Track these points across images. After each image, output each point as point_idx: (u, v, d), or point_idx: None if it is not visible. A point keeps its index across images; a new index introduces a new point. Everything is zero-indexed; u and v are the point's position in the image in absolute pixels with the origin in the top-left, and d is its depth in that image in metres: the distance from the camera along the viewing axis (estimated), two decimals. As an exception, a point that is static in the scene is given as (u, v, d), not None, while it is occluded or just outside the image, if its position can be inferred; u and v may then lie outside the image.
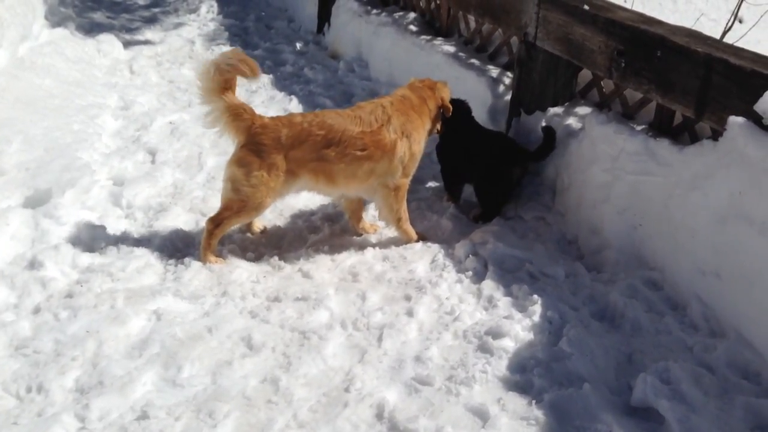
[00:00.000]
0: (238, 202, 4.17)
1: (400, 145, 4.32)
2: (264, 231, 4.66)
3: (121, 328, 3.53)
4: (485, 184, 4.87)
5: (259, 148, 4.12)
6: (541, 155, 4.89)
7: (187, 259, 4.17)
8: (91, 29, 8.81)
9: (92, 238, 4.32)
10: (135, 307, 3.69)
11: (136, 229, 4.54)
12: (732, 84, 3.61)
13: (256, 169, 4.12)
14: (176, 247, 4.37)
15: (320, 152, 4.18)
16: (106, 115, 6.35)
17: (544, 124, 4.94)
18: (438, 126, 4.73)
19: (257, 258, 4.34)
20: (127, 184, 5.07)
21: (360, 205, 4.67)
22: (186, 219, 4.70)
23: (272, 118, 4.28)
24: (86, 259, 4.12)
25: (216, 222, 4.20)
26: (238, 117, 4.13)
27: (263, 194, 4.16)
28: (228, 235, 4.44)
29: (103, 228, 4.43)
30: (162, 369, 3.28)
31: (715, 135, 3.81)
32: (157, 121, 6.27)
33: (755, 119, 3.42)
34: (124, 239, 4.38)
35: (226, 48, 8.62)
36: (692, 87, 3.85)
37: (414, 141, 4.41)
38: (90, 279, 3.93)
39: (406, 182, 4.47)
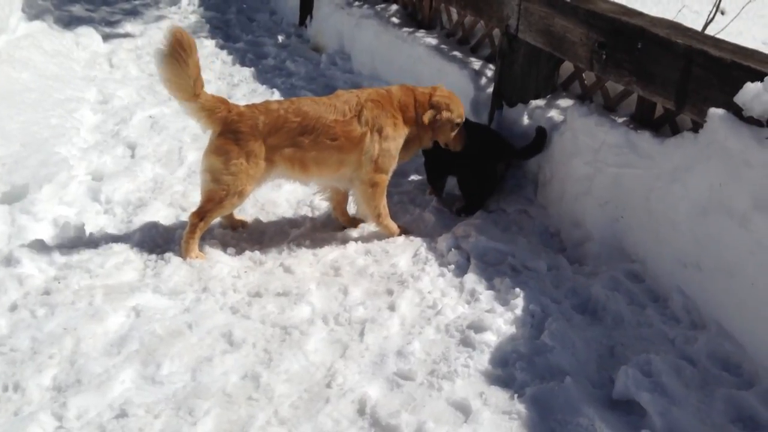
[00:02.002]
0: (220, 192, 4.13)
1: (368, 139, 4.28)
2: (244, 225, 4.61)
3: (100, 325, 3.48)
4: (470, 178, 4.85)
5: (236, 136, 4.09)
6: (527, 154, 4.87)
7: (167, 255, 4.12)
8: (69, 22, 8.69)
9: (70, 234, 4.27)
10: (113, 304, 3.64)
11: (115, 225, 4.49)
12: (712, 76, 3.61)
13: (235, 157, 4.09)
14: (156, 243, 4.31)
15: (295, 139, 4.17)
16: (85, 109, 6.27)
17: (538, 124, 4.86)
18: (435, 135, 4.56)
19: (238, 253, 4.30)
20: (106, 179, 5.01)
21: (344, 197, 4.63)
22: (166, 214, 4.65)
23: (248, 106, 4.24)
24: (64, 255, 4.06)
25: (200, 215, 4.16)
26: (214, 112, 4.12)
27: (244, 182, 4.13)
28: (209, 229, 4.38)
29: (81, 224, 4.36)
30: (141, 366, 3.24)
31: (696, 127, 3.81)
32: (136, 115, 6.20)
33: (735, 111, 3.42)
34: (102, 235, 4.32)
35: (208, 41, 8.55)
36: (672, 79, 3.84)
37: (385, 137, 4.33)
38: (68, 275, 3.87)
39: (384, 178, 4.41)
